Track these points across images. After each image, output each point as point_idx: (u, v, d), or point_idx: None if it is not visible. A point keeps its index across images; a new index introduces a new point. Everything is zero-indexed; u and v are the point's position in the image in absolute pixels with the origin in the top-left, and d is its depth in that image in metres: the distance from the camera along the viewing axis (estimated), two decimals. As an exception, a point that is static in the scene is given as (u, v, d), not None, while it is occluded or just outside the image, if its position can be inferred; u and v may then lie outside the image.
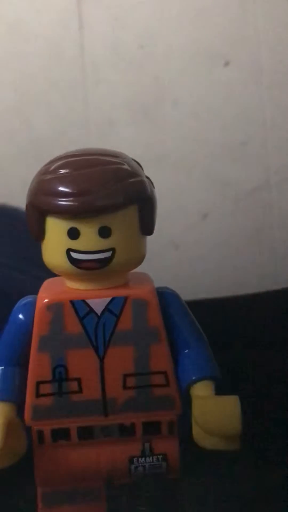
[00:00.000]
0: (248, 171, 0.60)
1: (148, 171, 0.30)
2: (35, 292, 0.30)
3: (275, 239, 0.61)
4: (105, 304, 0.29)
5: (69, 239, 0.28)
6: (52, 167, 0.29)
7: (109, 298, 0.29)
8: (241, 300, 0.56)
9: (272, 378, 0.45)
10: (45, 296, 0.30)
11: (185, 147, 0.60)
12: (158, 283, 0.31)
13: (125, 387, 0.30)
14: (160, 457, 0.31)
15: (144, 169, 0.30)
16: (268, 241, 0.61)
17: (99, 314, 0.29)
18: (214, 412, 0.28)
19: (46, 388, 0.30)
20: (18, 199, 0.30)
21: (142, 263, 0.31)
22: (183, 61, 0.59)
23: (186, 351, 0.30)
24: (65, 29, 0.59)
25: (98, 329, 0.30)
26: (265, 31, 0.59)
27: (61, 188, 0.28)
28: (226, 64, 0.59)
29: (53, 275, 0.31)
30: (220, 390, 0.30)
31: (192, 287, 0.58)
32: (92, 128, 0.60)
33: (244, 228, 0.61)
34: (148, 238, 0.31)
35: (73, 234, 0.28)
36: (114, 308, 0.29)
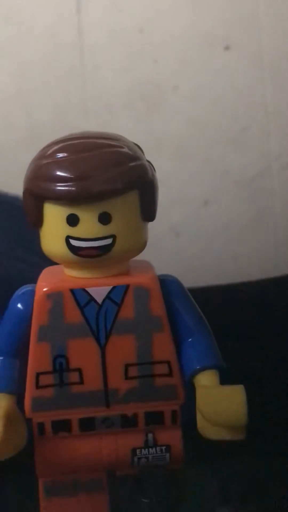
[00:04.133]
0: (249, 157, 0.60)
1: (148, 157, 0.30)
2: (35, 281, 0.30)
3: (276, 226, 0.61)
4: (106, 292, 0.29)
5: (68, 226, 0.28)
6: (49, 151, 0.28)
7: (110, 287, 0.29)
8: (243, 287, 0.55)
9: (275, 365, 0.44)
10: (44, 284, 0.29)
11: (185, 133, 0.59)
12: (159, 271, 0.30)
13: (127, 377, 0.29)
14: (163, 448, 0.30)
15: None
16: (269, 227, 0.61)
17: (100, 302, 0.29)
18: (219, 402, 0.28)
19: (46, 379, 0.29)
20: (17, 187, 0.30)
21: (143, 251, 0.30)
22: (183, 45, 0.59)
23: (190, 339, 0.30)
24: (62, 13, 0.58)
25: (99, 318, 0.29)
26: (265, 15, 0.58)
27: (59, 173, 0.27)
28: (226, 48, 0.59)
29: (53, 263, 0.30)
30: (222, 379, 0.29)
31: (193, 274, 0.57)
32: (91, 114, 0.59)
33: (246, 215, 0.60)
34: (149, 225, 0.30)
35: (72, 220, 0.28)
36: (115, 296, 0.29)
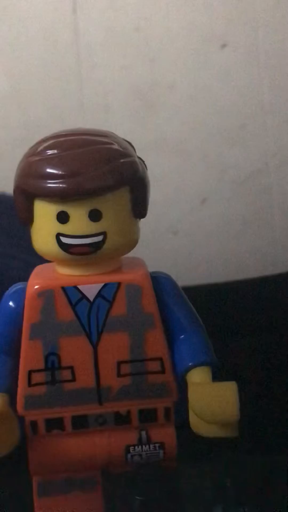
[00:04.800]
0: (246, 155, 0.60)
1: (145, 156, 0.30)
2: (27, 279, 0.30)
3: (274, 223, 0.61)
4: (97, 290, 0.29)
5: (59, 223, 0.28)
6: (40, 148, 0.28)
7: (102, 284, 0.29)
8: (241, 285, 0.55)
9: (272, 363, 0.44)
10: (35, 282, 0.29)
11: (182, 131, 0.59)
12: (156, 269, 0.30)
13: (119, 374, 0.29)
14: (157, 445, 0.30)
15: (141, 154, 0.30)
16: (267, 225, 0.60)
17: (91, 300, 0.29)
18: (211, 399, 0.28)
19: (38, 377, 0.29)
20: (12, 187, 0.30)
21: (141, 249, 0.30)
22: (180, 43, 0.59)
23: (182, 336, 0.30)
24: (58, 13, 0.58)
25: (91, 315, 0.29)
26: (262, 12, 0.58)
27: (48, 170, 0.27)
28: (223, 46, 0.59)
29: (46, 261, 0.30)
30: (219, 376, 0.29)
31: (191, 272, 0.57)
32: (88, 113, 0.59)
33: (243, 212, 0.60)
34: (147, 223, 0.30)
35: (63, 218, 0.28)
36: (107, 294, 0.29)
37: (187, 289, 0.31)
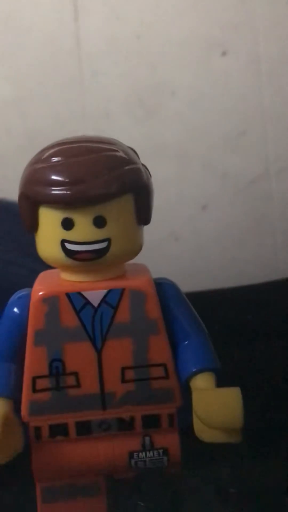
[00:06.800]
0: (247, 161, 0.60)
1: (147, 162, 0.30)
2: (32, 285, 0.30)
3: (275, 229, 0.61)
4: (101, 296, 0.29)
5: (63, 230, 0.28)
6: (45, 156, 0.28)
7: (106, 290, 0.29)
8: (242, 290, 0.55)
9: (275, 368, 0.44)
10: (40, 289, 0.29)
11: (183, 138, 0.60)
12: (158, 275, 0.31)
13: (123, 380, 0.29)
14: (160, 451, 0.30)
15: (142, 160, 0.30)
16: (268, 231, 0.61)
17: (95, 306, 0.29)
18: (215, 405, 0.28)
19: (43, 383, 0.29)
20: (16, 193, 0.30)
21: (142, 255, 0.30)
22: (181, 51, 0.59)
23: (186, 342, 0.30)
24: (60, 21, 0.59)
25: (95, 321, 0.29)
26: (262, 19, 0.59)
27: (53, 177, 0.27)
28: (224, 53, 0.59)
29: (50, 267, 0.30)
30: (222, 382, 0.29)
31: (192, 278, 0.57)
32: (89, 120, 0.59)
33: (244, 219, 0.60)
34: (148, 229, 0.30)
35: (67, 224, 0.28)
36: (111, 300, 0.29)
37: (188, 295, 0.31)
